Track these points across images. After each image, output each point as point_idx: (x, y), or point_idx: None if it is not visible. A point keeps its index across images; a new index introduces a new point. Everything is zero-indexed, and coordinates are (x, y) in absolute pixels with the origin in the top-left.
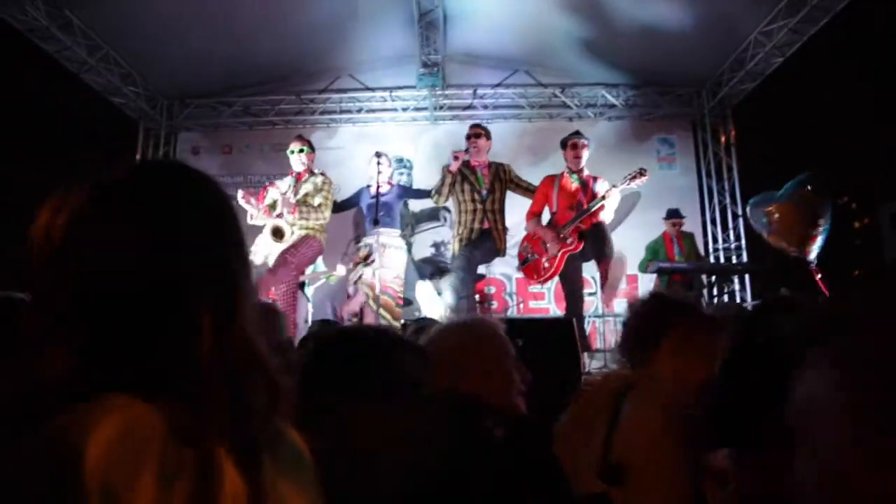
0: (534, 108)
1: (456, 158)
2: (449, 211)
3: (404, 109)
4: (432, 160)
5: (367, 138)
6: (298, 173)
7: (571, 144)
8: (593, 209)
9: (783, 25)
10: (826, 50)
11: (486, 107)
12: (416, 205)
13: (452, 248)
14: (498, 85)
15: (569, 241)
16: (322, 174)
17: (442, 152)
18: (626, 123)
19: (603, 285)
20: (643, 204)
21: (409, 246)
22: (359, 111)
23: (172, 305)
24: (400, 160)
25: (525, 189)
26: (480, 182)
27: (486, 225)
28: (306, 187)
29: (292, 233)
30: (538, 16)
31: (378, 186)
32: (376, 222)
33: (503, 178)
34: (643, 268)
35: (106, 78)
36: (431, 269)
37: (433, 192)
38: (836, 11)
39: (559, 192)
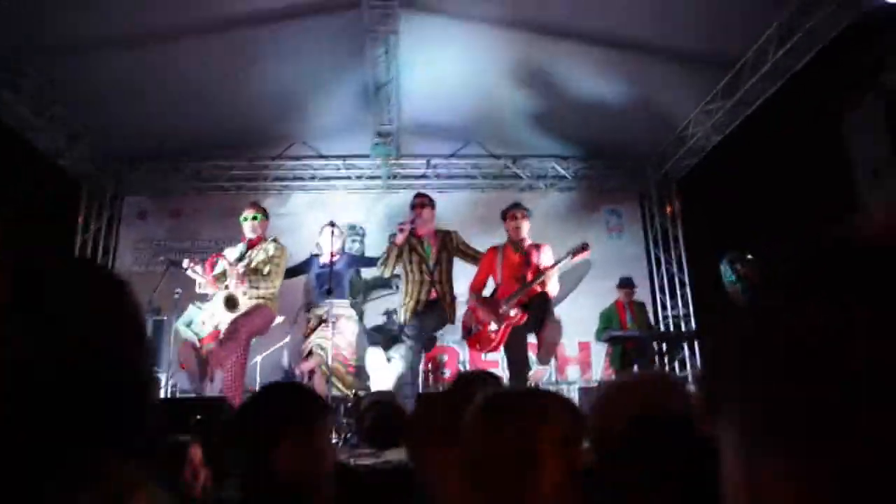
0: (486, 179)
1: (401, 230)
2: (400, 278)
3: (358, 177)
4: (385, 228)
5: (320, 205)
6: (251, 240)
7: (511, 216)
8: (533, 285)
9: (720, 107)
10: (761, 129)
11: (438, 176)
12: (368, 272)
13: (399, 318)
14: (451, 156)
15: (512, 313)
16: (274, 241)
17: (395, 221)
18: (575, 195)
19: (539, 349)
20: (594, 273)
21: (361, 314)
22: (312, 178)
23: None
24: (353, 227)
25: (472, 257)
26: (427, 253)
27: (433, 296)
28: (258, 255)
29: (245, 300)
30: (489, 91)
31: (332, 255)
32: (329, 292)
33: (450, 248)
34: (599, 336)
35: (51, 136)
36: (383, 337)
37: (379, 263)
38: (768, 95)
39: (503, 263)
